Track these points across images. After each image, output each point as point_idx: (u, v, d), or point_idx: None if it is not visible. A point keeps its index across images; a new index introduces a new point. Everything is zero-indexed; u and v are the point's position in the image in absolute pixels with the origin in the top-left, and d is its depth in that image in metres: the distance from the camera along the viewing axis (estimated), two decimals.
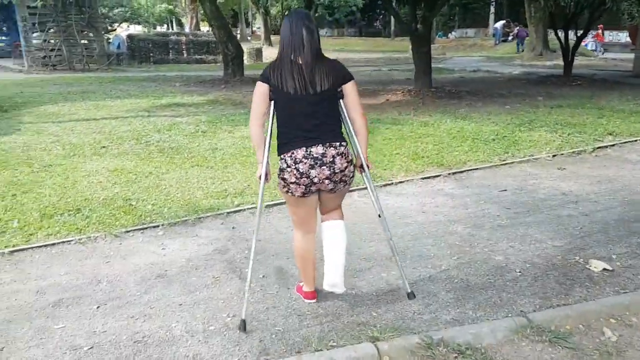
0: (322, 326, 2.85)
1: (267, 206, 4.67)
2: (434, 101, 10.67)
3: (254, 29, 48.57)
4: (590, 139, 7.01)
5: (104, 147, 6.79)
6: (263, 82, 2.72)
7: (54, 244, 3.89)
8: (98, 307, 3.07)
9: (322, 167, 2.67)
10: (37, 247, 3.85)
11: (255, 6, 33.24)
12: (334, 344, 2.68)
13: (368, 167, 3.01)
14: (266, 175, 2.87)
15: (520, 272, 3.45)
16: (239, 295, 3.16)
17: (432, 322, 2.87)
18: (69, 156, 6.31)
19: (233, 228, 4.24)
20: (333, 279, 2.92)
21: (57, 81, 13.85)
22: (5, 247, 3.82)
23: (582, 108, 9.39)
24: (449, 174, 5.67)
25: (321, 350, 2.63)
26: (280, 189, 2.85)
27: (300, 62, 2.66)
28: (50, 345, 2.71)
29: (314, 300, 3.05)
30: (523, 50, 27.20)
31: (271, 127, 2.84)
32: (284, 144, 2.72)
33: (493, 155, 6.31)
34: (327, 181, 2.72)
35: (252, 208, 4.62)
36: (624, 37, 28.10)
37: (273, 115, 2.78)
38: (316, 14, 31.74)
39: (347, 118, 2.85)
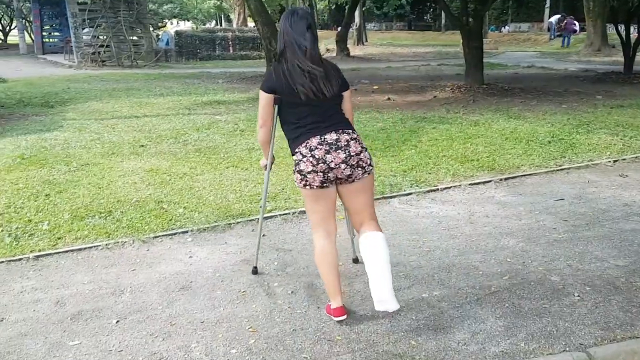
0: (354, 354, 2.57)
1: (301, 212, 4.42)
2: (486, 99, 10.16)
3: None
4: None
5: (142, 146, 6.71)
6: (267, 92, 2.73)
7: (80, 249, 3.77)
8: (117, 321, 2.89)
9: (338, 151, 2.66)
10: (64, 252, 3.73)
11: (302, 1, 33.07)
12: None
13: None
14: (271, 164, 3.07)
15: (579, 296, 3.07)
16: (265, 314, 2.92)
17: (479, 355, 2.54)
18: (107, 155, 6.24)
19: (263, 236, 4.01)
20: (381, 295, 2.71)
21: (104, 77, 14.05)
22: (31, 251, 3.72)
23: None
24: (501, 179, 5.26)
25: None
26: (298, 185, 2.79)
27: (308, 68, 2.67)
28: None
29: (344, 317, 2.80)
30: (568, 45, 26.05)
31: (274, 130, 2.92)
32: (296, 138, 2.73)
33: (549, 160, 5.84)
34: (343, 165, 2.67)
35: (284, 214, 4.39)
36: None
37: (275, 118, 2.84)
38: (364, 8, 31.36)
39: None
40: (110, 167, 5.72)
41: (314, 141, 2.66)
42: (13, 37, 26.93)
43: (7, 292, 3.21)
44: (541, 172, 5.48)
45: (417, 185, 5.09)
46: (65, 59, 18.70)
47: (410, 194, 4.89)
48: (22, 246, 3.79)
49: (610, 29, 23.95)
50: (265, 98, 2.74)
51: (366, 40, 31.79)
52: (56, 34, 22.59)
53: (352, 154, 2.69)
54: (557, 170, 5.53)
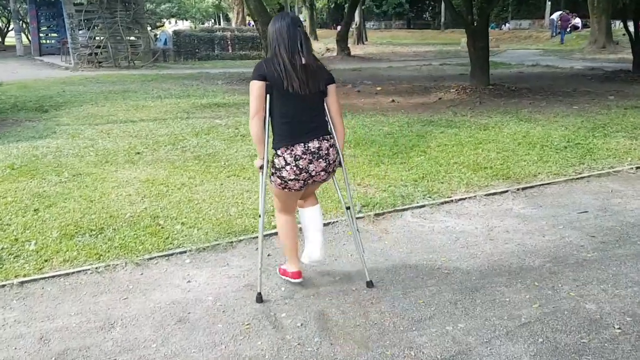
0: None
1: None
2: (493, 100, 9.86)
3: None
4: None
5: (138, 153, 6.40)
6: (259, 79, 2.83)
7: (68, 274, 3.45)
8: None
9: (319, 160, 2.90)
10: (50, 277, 3.41)
11: (302, 0, 32.73)
12: None
13: (343, 160, 3.16)
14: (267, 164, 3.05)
15: (619, 328, 2.77)
16: (272, 353, 2.62)
17: None
18: (100, 164, 5.93)
19: (268, 256, 3.71)
20: (315, 255, 3.19)
21: (100, 79, 13.72)
22: (16, 276, 3.41)
23: None
24: (518, 189, 4.96)
25: None
26: (275, 186, 3.00)
27: (302, 62, 2.80)
28: None
29: (299, 280, 3.21)
30: (562, 42, 25.84)
31: (268, 122, 2.93)
32: (282, 138, 2.87)
33: (567, 167, 5.54)
34: (322, 173, 2.95)
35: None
36: None
37: (269, 109, 2.90)
38: (363, 6, 31.03)
39: (329, 116, 3.03)
40: (103, 178, 5.41)
41: (299, 149, 2.85)
42: (11, 39, 26.53)
43: None
44: (560, 180, 5.17)
45: (430, 197, 4.78)
46: (62, 60, 18.36)
47: (423, 206, 4.59)
48: (7, 270, 3.48)
49: (615, 25, 23.70)
50: (257, 86, 2.84)
51: (366, 40, 31.48)
52: (53, 35, 22.21)
53: (330, 162, 2.96)
54: (577, 178, 5.23)
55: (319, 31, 35.95)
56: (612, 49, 21.57)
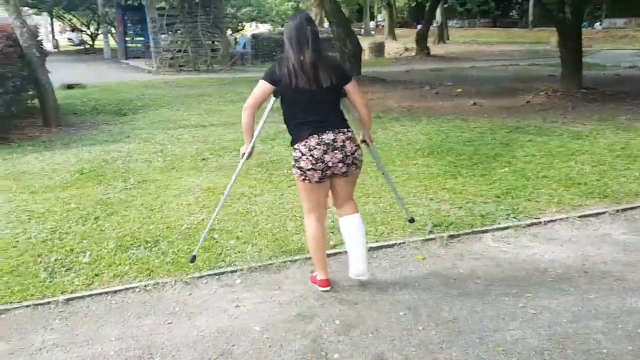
0: None
1: (374, 248, 3.72)
2: (586, 105, 8.97)
3: (378, 22, 47.50)
4: None
5: (204, 159, 6.27)
6: (266, 81, 2.94)
7: (116, 291, 3.28)
8: None
9: (335, 151, 2.92)
10: (98, 294, 3.25)
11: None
12: None
13: (372, 140, 3.32)
14: (250, 153, 3.21)
15: None
16: None
17: None
18: (166, 170, 5.84)
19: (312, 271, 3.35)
20: (357, 269, 3.11)
21: (179, 83, 13.98)
22: (62, 292, 3.27)
23: None
24: (617, 210, 4.31)
25: None
26: (297, 178, 3.04)
27: (308, 60, 2.86)
28: None
29: (328, 288, 3.16)
30: None
31: (264, 120, 3.18)
32: (297, 135, 2.96)
33: None
34: (340, 164, 2.95)
35: None
36: None
37: (282, 113, 3.03)
38: (446, 4, 30.00)
39: (356, 111, 3.12)
40: (167, 185, 5.29)
41: (312, 141, 2.90)
42: (101, 42, 27.97)
43: (25, 349, 2.76)
44: None
45: (514, 217, 4.24)
46: (145, 64, 19.03)
47: (506, 228, 4.06)
48: (55, 285, 3.36)
49: None
50: (262, 85, 2.95)
51: (448, 38, 30.43)
52: (139, 39, 23.12)
53: (348, 153, 2.96)
54: None
55: (398, 30, 35.22)
56: None
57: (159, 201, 4.83)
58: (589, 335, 2.69)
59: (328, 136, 2.91)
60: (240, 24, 29.21)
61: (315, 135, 2.90)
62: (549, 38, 27.65)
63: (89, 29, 31.24)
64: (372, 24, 44.04)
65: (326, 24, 27.66)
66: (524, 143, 6.50)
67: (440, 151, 6.24)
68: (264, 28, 32.73)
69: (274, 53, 21.07)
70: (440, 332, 2.77)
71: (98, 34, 29.14)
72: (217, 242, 3.92)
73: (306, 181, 2.98)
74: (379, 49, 24.01)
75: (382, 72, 15.67)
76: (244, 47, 21.87)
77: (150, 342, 2.78)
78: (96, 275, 3.47)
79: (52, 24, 32.85)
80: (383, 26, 38.92)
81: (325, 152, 2.90)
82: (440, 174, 5.40)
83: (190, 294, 3.24)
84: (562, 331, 2.73)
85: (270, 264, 3.56)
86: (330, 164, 2.93)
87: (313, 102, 2.92)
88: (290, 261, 3.60)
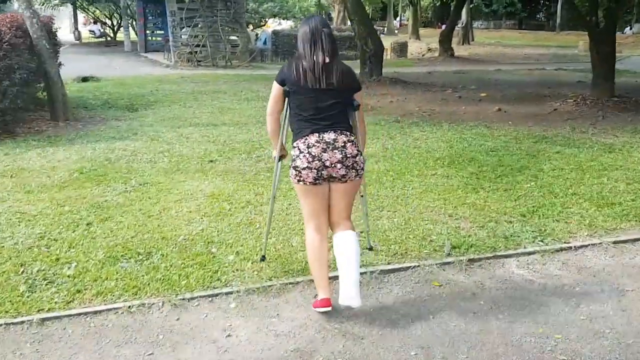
0: None
1: (385, 271, 3.37)
2: (618, 115, 8.48)
3: (402, 21, 46.90)
4: None
5: (211, 161, 5.96)
6: (279, 83, 2.94)
7: (97, 312, 2.97)
8: None
9: (334, 151, 2.83)
10: (76, 314, 2.95)
11: None
12: None
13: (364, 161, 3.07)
14: (282, 156, 3.21)
15: None
16: None
17: None
18: (171, 172, 5.55)
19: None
20: (348, 292, 2.83)
21: (195, 78, 13.73)
22: (39, 310, 2.98)
23: None
24: None
25: None
26: (292, 180, 2.96)
27: (320, 60, 2.83)
28: None
29: (329, 309, 2.88)
30: None
31: (285, 122, 3.07)
32: (298, 132, 2.90)
33: None
34: (339, 165, 2.84)
35: (360, 274, 3.35)
36: None
37: (286, 110, 3.01)
38: (472, 5, 29.38)
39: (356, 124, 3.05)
40: (169, 189, 4.99)
41: (312, 138, 2.83)
42: (122, 35, 27.91)
43: None
44: None
45: (541, 240, 3.85)
46: (164, 58, 18.85)
47: (532, 252, 3.67)
48: (33, 301, 3.07)
49: None
50: (275, 88, 2.97)
51: (472, 40, 29.81)
52: (159, 32, 22.97)
53: (348, 155, 2.86)
54: None
55: (422, 30, 34.67)
56: None
57: (158, 207, 4.53)
58: None
59: (329, 135, 2.84)
60: (262, 20, 28.96)
61: (316, 134, 2.84)
62: (577, 42, 26.91)
63: (111, 21, 31.28)
64: (396, 22, 43.48)
65: (349, 23, 27.28)
66: (551, 155, 6.08)
67: (462, 161, 5.85)
68: (286, 24, 32.45)
69: (294, 50, 20.75)
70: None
71: (120, 27, 29.12)
72: (214, 257, 3.60)
73: (301, 183, 2.89)
74: (401, 49, 23.55)
75: (404, 73, 15.24)
76: (265, 43, 21.59)
77: None
78: (78, 291, 3.17)
79: (75, 16, 32.96)
80: (407, 25, 38.37)
81: (324, 151, 2.82)
82: (461, 186, 5.02)
83: (178, 319, 2.92)
84: None
85: (269, 286, 3.22)
86: (327, 164, 2.83)
87: (319, 103, 2.87)
88: (292, 283, 3.26)
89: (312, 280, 3.25)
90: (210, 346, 2.69)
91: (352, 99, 2.97)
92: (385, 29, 36.82)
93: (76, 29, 32.41)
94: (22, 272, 3.40)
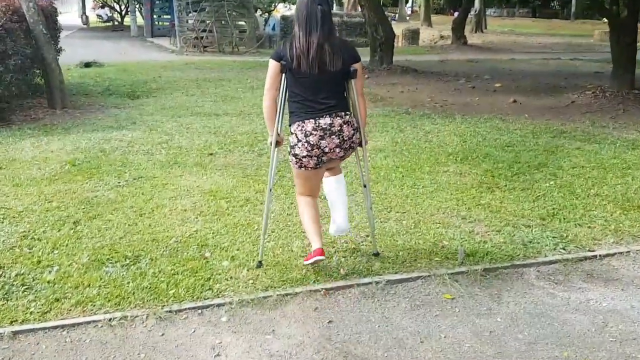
0: None
1: (392, 282, 3.08)
2: None
3: (414, 7, 46.16)
4: None
5: (211, 154, 5.67)
6: (274, 59, 2.89)
7: (74, 325, 2.70)
8: None
9: (332, 137, 2.87)
10: (52, 327, 2.69)
11: None
12: None
13: (365, 142, 3.12)
14: (278, 142, 3.03)
15: None
16: None
17: None
18: (167, 165, 5.27)
19: (329, 323, 2.74)
20: (340, 223, 3.15)
21: (200, 65, 13.38)
22: (12, 322, 2.72)
23: None
24: None
25: None
26: (292, 166, 3.01)
27: (315, 42, 2.78)
28: None
29: (323, 257, 3.01)
30: None
31: (282, 101, 2.97)
32: (293, 114, 2.91)
33: None
34: (337, 149, 2.92)
35: (365, 284, 3.07)
36: None
37: (285, 90, 2.94)
38: None
39: (354, 97, 3.00)
40: (164, 184, 4.71)
41: (309, 125, 2.84)
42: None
43: None
44: None
45: (562, 247, 3.54)
46: (170, 43, 18.51)
47: (554, 261, 3.37)
48: (7, 310, 2.81)
49: None
50: (271, 65, 2.91)
51: (485, 27, 29.16)
52: (166, 16, 22.56)
53: (345, 138, 2.90)
54: None
55: (434, 17, 34.01)
56: None
57: (151, 204, 4.26)
58: None
59: (325, 120, 2.85)
60: (272, 5, 28.45)
61: (312, 120, 2.85)
62: (592, 31, 26.27)
63: (119, 5, 30.91)
64: (407, 9, 42.77)
65: (360, 9, 26.71)
66: (570, 151, 5.73)
67: (476, 157, 5.52)
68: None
69: None
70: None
71: (127, 11, 28.73)
72: (207, 262, 3.32)
73: (302, 169, 2.96)
74: (413, 36, 22.99)
75: (415, 61, 14.83)
76: (274, 28, 21.15)
77: None
78: (57, 299, 2.90)
79: (83, 0, 32.60)
80: (418, 12, 37.70)
81: (322, 138, 2.85)
82: (475, 185, 4.70)
83: (162, 335, 2.65)
84: None
85: (265, 297, 2.94)
86: (326, 150, 2.89)
87: (315, 84, 2.85)
88: (290, 294, 2.98)
89: (312, 292, 3.00)
90: None
91: (348, 73, 2.92)
92: (397, 15, 36.15)
93: (84, 13, 32.06)
94: (0, 275, 3.15)
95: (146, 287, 3.02)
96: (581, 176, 4.90)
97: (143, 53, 16.49)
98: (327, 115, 2.86)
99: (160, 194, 4.48)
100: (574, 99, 8.84)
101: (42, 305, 2.86)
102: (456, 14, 25.23)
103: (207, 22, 16.65)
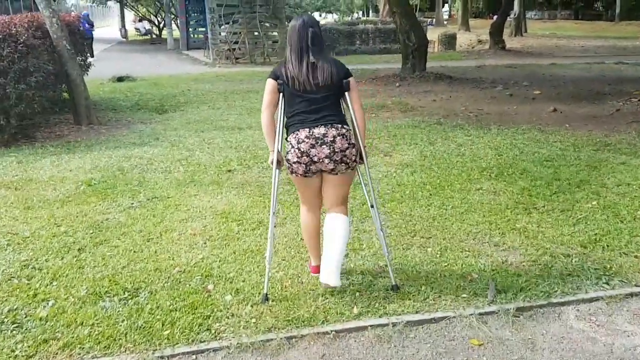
0: None
1: (412, 323, 2.75)
2: None
3: (452, 12, 45.40)
4: None
5: (229, 170, 5.47)
6: (272, 78, 2.93)
7: None
8: None
9: (322, 146, 2.83)
10: None
11: None
12: None
13: (366, 155, 3.05)
14: (279, 162, 3.01)
15: None
16: None
17: None
18: (184, 183, 5.08)
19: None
20: (329, 270, 2.87)
21: (230, 77, 13.30)
22: None
23: None
24: None
25: None
26: (287, 170, 3.00)
27: (305, 62, 2.84)
28: None
29: (318, 274, 3.02)
30: None
31: (281, 118, 2.97)
32: (290, 127, 2.94)
33: None
34: (326, 160, 2.86)
35: (380, 325, 2.74)
36: None
37: (283, 109, 2.97)
38: None
39: (350, 110, 3.00)
40: (177, 205, 4.52)
41: (302, 134, 2.85)
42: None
43: None
44: None
45: (606, 281, 3.13)
46: (204, 55, 18.61)
47: (595, 299, 2.97)
48: None
49: None
50: (268, 83, 2.95)
51: (525, 31, 28.35)
52: (201, 29, 22.77)
53: (336, 150, 2.86)
54: None
55: (472, 21, 33.29)
56: None
57: (161, 227, 4.05)
58: None
59: (319, 130, 2.84)
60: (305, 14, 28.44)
61: (307, 129, 2.85)
62: (638, 33, 25.18)
63: (157, 19, 31.48)
64: (445, 13, 42.06)
65: None
66: (615, 166, 5.25)
67: (511, 173, 5.12)
68: (332, 18, 31.77)
69: (336, 45, 20.13)
70: None
71: (165, 24, 29.22)
72: (209, 296, 3.06)
73: (294, 174, 2.97)
74: (449, 41, 22.51)
75: (451, 67, 14.40)
76: None
77: None
78: (45, 341, 2.69)
79: (122, 13, 33.39)
80: (456, 16, 37.01)
81: (312, 147, 2.84)
82: (510, 205, 4.31)
83: None
84: None
85: (267, 341, 2.66)
86: (315, 159, 2.86)
87: (311, 102, 2.87)
88: (295, 337, 2.68)
89: (319, 334, 2.70)
90: None
91: (341, 90, 2.94)
92: (434, 20, 35.59)
93: (123, 26, 32.82)
94: None
95: (140, 327, 2.78)
96: (627, 195, 4.45)
97: (177, 66, 16.61)
98: (323, 126, 2.86)
99: (171, 216, 4.27)
100: (619, 107, 8.27)
101: (28, 347, 2.65)
102: (495, 17, 24.56)
103: (240, 33, 16.62)
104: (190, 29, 23.11)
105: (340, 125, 2.89)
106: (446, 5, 45.67)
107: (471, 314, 2.84)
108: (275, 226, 3.36)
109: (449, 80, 11.90)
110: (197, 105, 9.35)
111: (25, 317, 2.90)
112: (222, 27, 16.78)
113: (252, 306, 2.95)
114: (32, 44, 6.56)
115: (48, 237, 3.92)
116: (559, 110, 8.26)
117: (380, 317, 2.83)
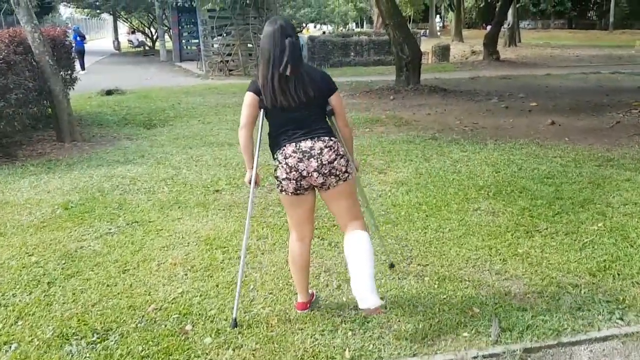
0: None
1: None
2: None
3: (446, 22, 45.49)
4: None
5: (217, 190, 5.21)
6: (252, 92, 2.74)
7: None
8: None
9: (310, 160, 2.71)
10: None
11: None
12: None
13: (356, 168, 3.04)
14: (256, 181, 2.93)
15: None
16: None
17: None
18: (167, 206, 4.81)
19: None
20: (362, 293, 2.59)
21: (223, 89, 13.07)
22: None
23: None
24: None
25: None
26: (276, 190, 2.88)
27: (287, 73, 2.61)
28: None
29: (305, 311, 2.96)
30: None
31: (260, 134, 2.90)
32: (276, 144, 2.79)
33: None
34: (315, 174, 2.72)
35: None
36: None
37: (262, 122, 2.84)
38: (518, 4, 27.88)
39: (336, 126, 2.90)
40: (158, 230, 4.25)
41: (289, 148, 2.73)
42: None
43: None
44: None
45: (620, 317, 2.88)
46: (197, 67, 18.40)
47: (609, 337, 2.71)
48: None
49: None
50: (248, 97, 2.75)
51: (519, 41, 28.28)
52: (194, 41, 22.58)
53: (324, 162, 2.72)
54: None
55: (465, 32, 33.30)
56: None
57: (139, 256, 3.79)
58: None
59: (306, 144, 2.72)
60: (300, 26, 28.32)
61: (293, 143, 2.73)
62: (633, 41, 25.12)
63: (150, 30, 31.33)
64: (438, 24, 42.11)
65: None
66: (620, 183, 5.03)
67: (511, 191, 4.89)
68: (327, 29, 31.71)
69: (329, 57, 19.96)
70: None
71: (157, 36, 29.05)
72: (186, 339, 2.79)
73: (283, 193, 2.81)
74: (443, 52, 22.38)
75: (445, 79, 14.22)
76: (301, 49, 20.89)
77: None
78: None
79: (115, 25, 33.23)
80: (449, 27, 37.03)
81: (300, 161, 2.71)
82: (511, 228, 4.07)
83: None
84: None
85: None
86: (304, 174, 2.72)
87: (297, 116, 2.72)
88: None
89: None
90: None
91: (326, 103, 2.80)
92: (427, 31, 35.57)
93: (116, 38, 32.65)
94: None
95: None
96: (635, 216, 4.21)
97: (168, 78, 16.37)
98: (309, 139, 2.73)
99: (151, 243, 4.01)
100: (619, 119, 8.08)
101: None
102: (488, 28, 24.49)
103: (233, 45, 16.43)
104: (183, 41, 22.91)
105: (327, 138, 2.76)
106: (438, 16, 45.72)
107: (474, 357, 2.58)
108: (263, 254, 3.09)
109: (443, 93, 11.71)
110: (187, 120, 9.10)
111: None
112: (215, 38, 16.57)
113: (233, 350, 2.69)
114: (13, 60, 6.32)
115: (18, 269, 3.65)
116: (557, 123, 8.06)
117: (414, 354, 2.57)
